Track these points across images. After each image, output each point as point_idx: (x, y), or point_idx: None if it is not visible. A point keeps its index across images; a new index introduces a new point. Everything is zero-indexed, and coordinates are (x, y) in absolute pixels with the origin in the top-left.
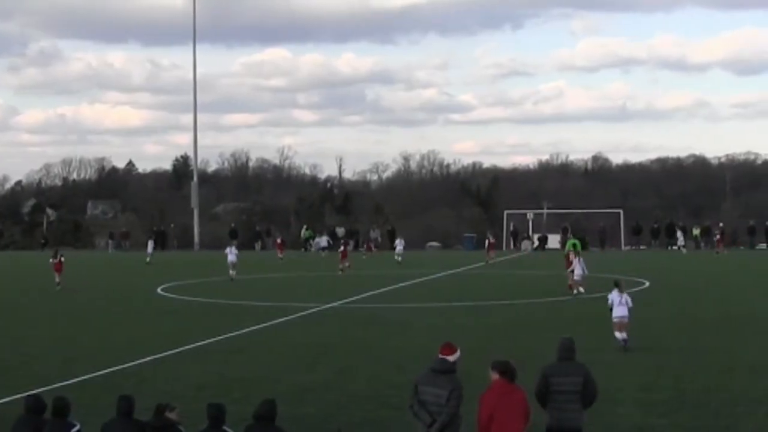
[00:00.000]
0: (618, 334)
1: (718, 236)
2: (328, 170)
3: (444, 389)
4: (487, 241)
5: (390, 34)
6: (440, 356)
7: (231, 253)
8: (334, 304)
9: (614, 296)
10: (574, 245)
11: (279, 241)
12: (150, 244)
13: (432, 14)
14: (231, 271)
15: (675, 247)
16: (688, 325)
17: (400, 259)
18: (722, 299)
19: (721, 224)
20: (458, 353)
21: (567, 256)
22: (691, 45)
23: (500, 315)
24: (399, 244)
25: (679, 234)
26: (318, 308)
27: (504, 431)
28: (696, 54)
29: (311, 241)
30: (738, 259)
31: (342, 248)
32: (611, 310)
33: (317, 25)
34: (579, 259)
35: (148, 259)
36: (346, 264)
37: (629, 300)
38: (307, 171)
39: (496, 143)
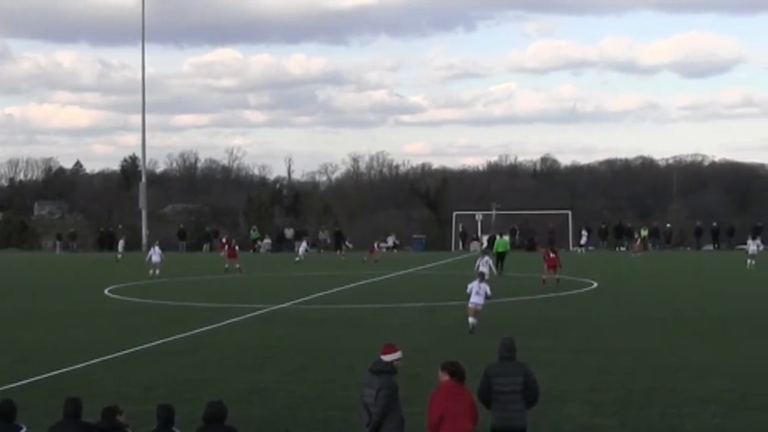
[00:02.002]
0: (471, 319)
1: (638, 239)
2: (277, 171)
3: (375, 388)
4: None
5: (341, 35)
6: (379, 356)
7: (155, 254)
8: (284, 305)
9: (474, 285)
10: (504, 245)
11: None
12: (121, 243)
13: (384, 15)
14: (154, 271)
15: (623, 248)
16: (635, 326)
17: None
18: (670, 300)
19: (642, 230)
20: (397, 354)
21: (546, 255)
22: (641, 47)
23: (450, 316)
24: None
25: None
26: (268, 309)
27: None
28: (646, 56)
29: (259, 242)
30: (685, 260)
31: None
32: (469, 296)
33: (268, 26)
34: (485, 259)
35: (119, 257)
36: (236, 265)
37: (488, 291)
38: (256, 172)
39: (446, 144)
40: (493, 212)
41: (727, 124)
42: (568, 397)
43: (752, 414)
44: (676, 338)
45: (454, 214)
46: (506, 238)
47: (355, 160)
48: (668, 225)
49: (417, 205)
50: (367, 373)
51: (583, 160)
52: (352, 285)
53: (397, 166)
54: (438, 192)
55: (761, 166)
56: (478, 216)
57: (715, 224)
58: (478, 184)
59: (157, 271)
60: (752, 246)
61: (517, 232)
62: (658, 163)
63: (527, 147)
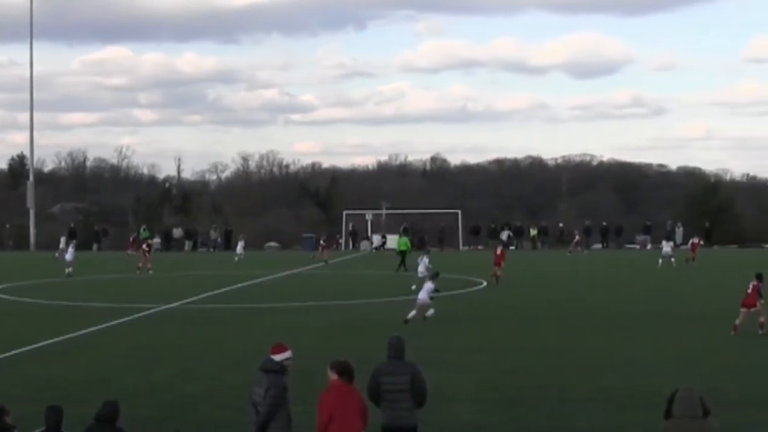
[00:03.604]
0: (412, 312)
1: (577, 238)
2: (167, 170)
3: (264, 387)
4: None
5: (233, 33)
6: (269, 356)
7: (69, 253)
8: (173, 304)
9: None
10: (405, 244)
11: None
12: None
13: (275, 14)
14: (68, 269)
15: (512, 247)
16: (526, 324)
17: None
18: (561, 298)
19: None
20: (287, 353)
21: (495, 251)
22: (531, 48)
23: (340, 315)
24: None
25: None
26: (157, 309)
27: (343, 431)
28: (536, 57)
29: (149, 241)
30: (574, 258)
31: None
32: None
33: (159, 24)
34: (425, 259)
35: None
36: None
37: (431, 288)
38: (146, 171)
39: (336, 144)
40: (383, 211)
41: (615, 124)
42: (458, 396)
43: (640, 411)
44: (567, 336)
45: (345, 213)
46: (405, 238)
47: (245, 159)
48: (561, 225)
49: (307, 204)
50: (258, 371)
51: (473, 159)
52: (241, 284)
53: (287, 165)
54: (328, 191)
55: (649, 166)
56: (368, 215)
57: (604, 223)
58: (368, 183)
59: (70, 269)
60: (666, 247)
61: (408, 232)
62: (548, 163)
63: (417, 146)
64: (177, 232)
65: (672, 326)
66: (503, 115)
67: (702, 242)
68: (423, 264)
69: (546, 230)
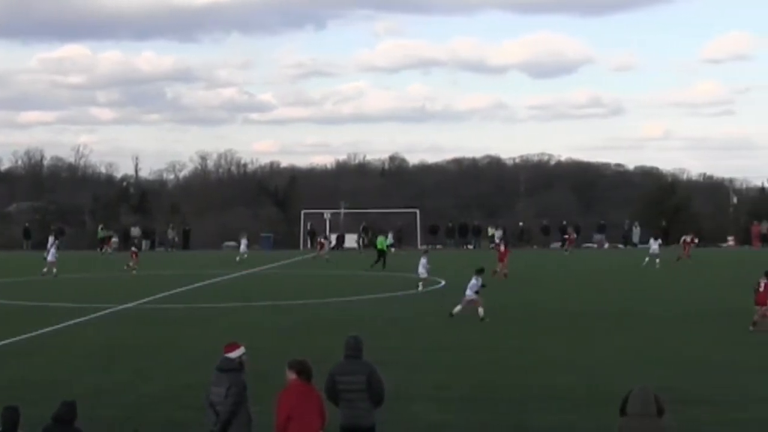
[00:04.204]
0: (457, 308)
1: (568, 236)
2: (124, 169)
3: (224, 387)
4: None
5: (192, 32)
6: (224, 355)
7: (51, 254)
8: (130, 304)
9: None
10: (383, 243)
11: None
12: None
13: (235, 13)
14: (50, 269)
15: (470, 246)
16: (484, 324)
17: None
18: (520, 297)
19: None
20: (241, 350)
21: (498, 248)
22: (490, 47)
23: (299, 314)
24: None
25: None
26: (114, 309)
27: (301, 431)
28: (495, 56)
29: (107, 241)
30: (535, 258)
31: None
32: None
33: (118, 22)
34: (424, 260)
35: None
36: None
37: (476, 284)
38: (103, 170)
39: (295, 143)
40: (342, 211)
41: (573, 123)
42: (416, 396)
43: (597, 409)
44: (525, 335)
45: (303, 212)
46: (382, 237)
47: (203, 158)
48: (521, 224)
49: (265, 204)
50: (214, 371)
51: (432, 159)
52: (199, 284)
53: (245, 165)
54: (286, 190)
55: (606, 166)
56: (327, 214)
57: (564, 222)
58: (326, 182)
59: (54, 270)
60: (654, 245)
61: (367, 231)
62: (506, 162)
63: (376, 146)
64: (135, 232)
65: (633, 326)
66: (462, 114)
67: (695, 240)
68: (422, 264)
69: (504, 230)
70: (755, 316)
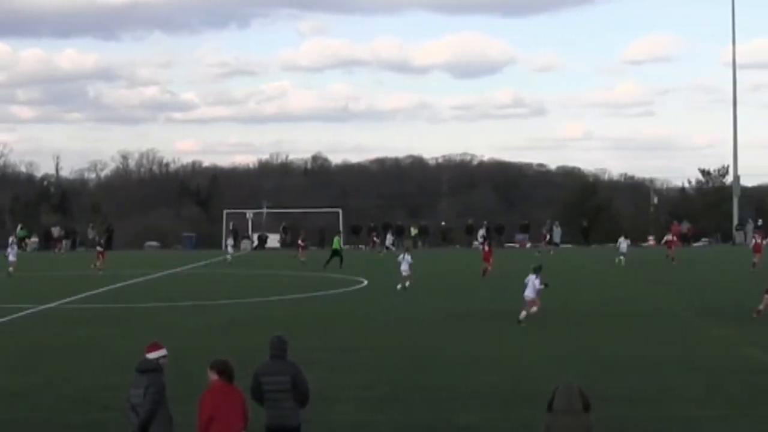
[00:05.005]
0: (522, 313)
1: (545, 235)
2: (45, 168)
3: (142, 388)
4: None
5: (114, 30)
6: (145, 356)
7: (11, 254)
8: (51, 305)
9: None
10: (338, 242)
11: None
12: None
13: (157, 11)
14: (11, 269)
15: (393, 248)
16: (407, 323)
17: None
18: (442, 297)
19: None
20: (162, 351)
21: (483, 247)
22: (414, 47)
23: (222, 314)
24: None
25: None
26: (34, 309)
27: (224, 431)
28: (418, 56)
29: (27, 241)
30: (458, 257)
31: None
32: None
33: (38, 20)
34: (407, 256)
35: None
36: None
37: (537, 283)
38: (24, 169)
39: (217, 142)
40: (264, 210)
41: (496, 124)
42: (340, 395)
43: (519, 407)
44: (445, 334)
45: (225, 212)
46: (337, 237)
47: (125, 157)
48: (443, 223)
49: (187, 203)
50: (135, 373)
51: (355, 158)
52: (120, 284)
53: (167, 164)
54: (209, 190)
55: (528, 166)
56: (249, 214)
57: (486, 222)
58: (249, 182)
59: (11, 269)
60: (623, 244)
61: (288, 231)
62: (428, 162)
63: (299, 145)
64: (56, 232)
65: (558, 324)
66: (385, 114)
67: (676, 239)
68: (406, 262)
69: (427, 229)
70: (761, 306)
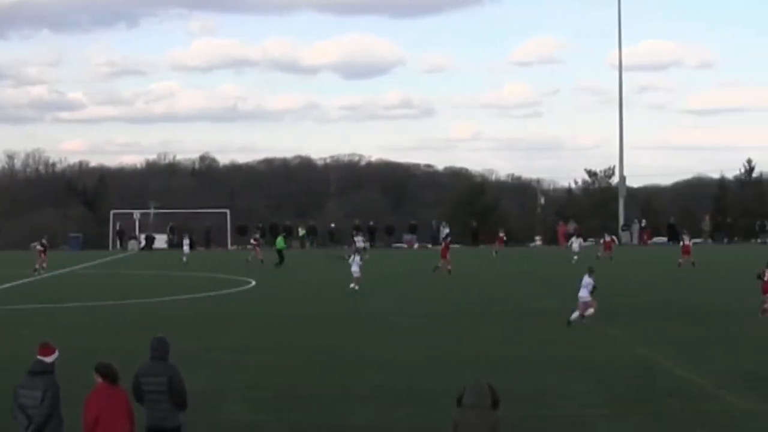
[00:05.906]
0: (575, 314)
1: (502, 236)
2: None
3: (39, 390)
4: None
5: (0, 28)
6: (37, 357)
7: None
8: None
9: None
10: (281, 242)
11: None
12: None
13: (45, 10)
14: None
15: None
16: (297, 323)
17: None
18: (330, 298)
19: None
20: (56, 354)
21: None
22: (303, 48)
23: (109, 316)
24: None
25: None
26: None
27: None
28: (307, 57)
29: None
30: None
31: None
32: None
33: None
34: (356, 257)
35: None
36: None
37: (590, 283)
38: None
39: (105, 142)
40: (151, 211)
41: (384, 124)
42: (227, 396)
43: (412, 407)
44: (336, 334)
45: (112, 212)
46: (281, 237)
47: (11, 157)
48: (332, 225)
49: (74, 204)
50: (26, 374)
51: (243, 158)
52: (7, 285)
53: (53, 164)
54: (95, 190)
55: (416, 166)
56: (136, 215)
57: (372, 223)
58: (136, 182)
59: None
60: (575, 244)
61: (176, 231)
62: (316, 163)
63: (187, 145)
64: None
65: (452, 325)
66: (274, 114)
67: (615, 239)
68: (356, 263)
69: (314, 230)
70: (765, 305)
